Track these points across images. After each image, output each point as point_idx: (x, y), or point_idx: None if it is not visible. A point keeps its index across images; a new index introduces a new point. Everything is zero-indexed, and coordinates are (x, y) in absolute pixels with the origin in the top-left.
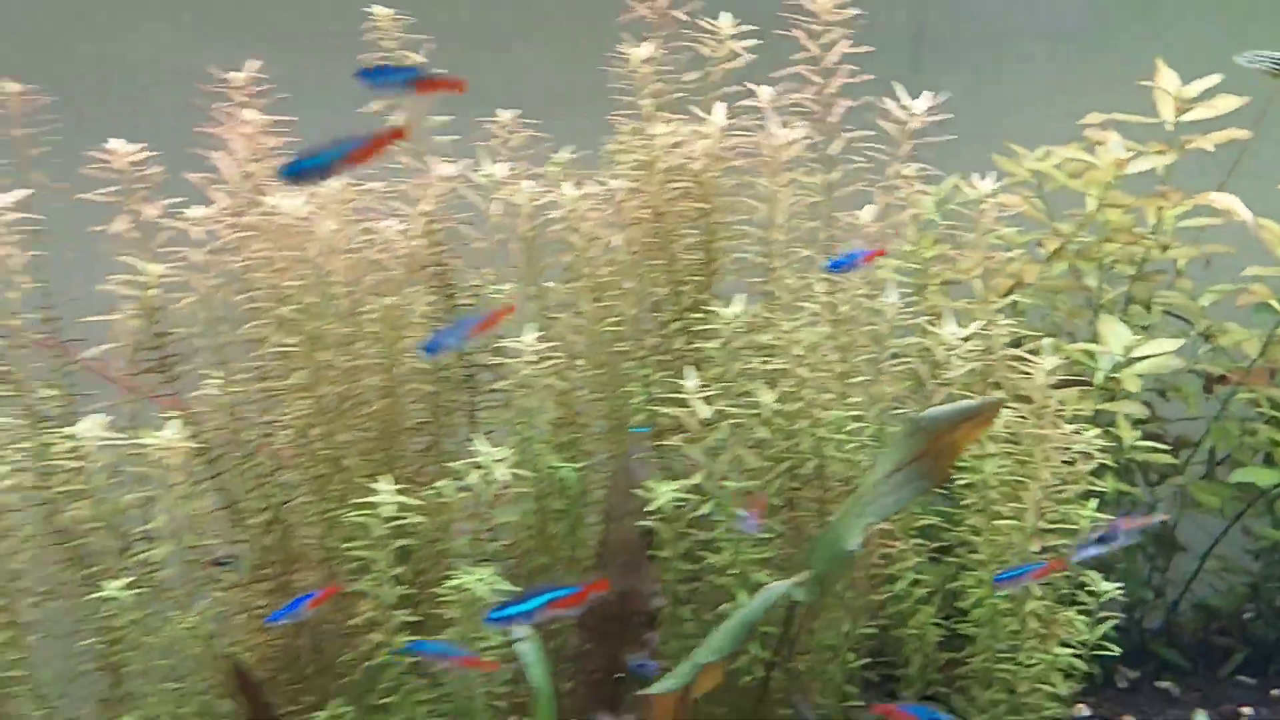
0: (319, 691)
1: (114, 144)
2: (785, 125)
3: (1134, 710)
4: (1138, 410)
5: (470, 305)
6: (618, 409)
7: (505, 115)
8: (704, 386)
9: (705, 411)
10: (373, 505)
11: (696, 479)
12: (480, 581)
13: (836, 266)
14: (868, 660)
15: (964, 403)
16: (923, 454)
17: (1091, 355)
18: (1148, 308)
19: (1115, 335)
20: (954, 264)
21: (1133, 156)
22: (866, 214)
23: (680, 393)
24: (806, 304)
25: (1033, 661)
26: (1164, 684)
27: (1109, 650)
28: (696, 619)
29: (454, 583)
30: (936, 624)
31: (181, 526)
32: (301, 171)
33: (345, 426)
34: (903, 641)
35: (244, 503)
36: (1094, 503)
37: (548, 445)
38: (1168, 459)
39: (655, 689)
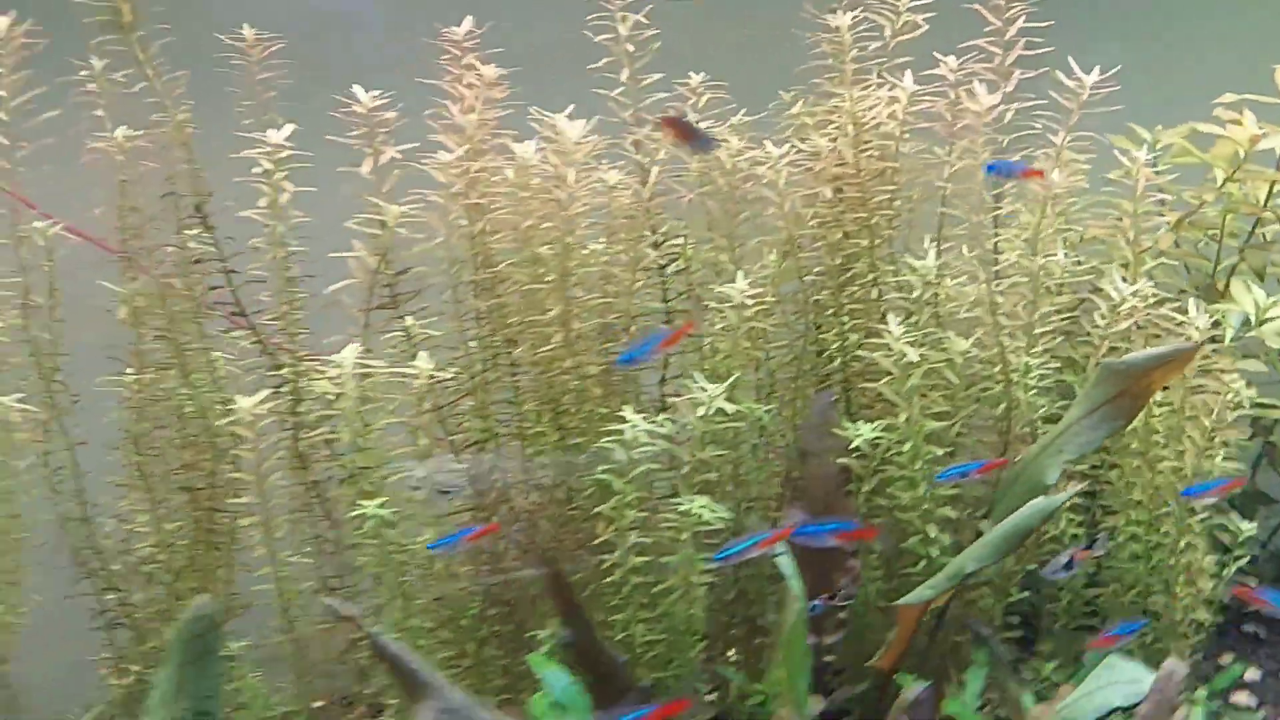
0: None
1: (357, 90)
2: (968, 93)
3: (1231, 651)
4: (1259, 368)
5: (676, 255)
6: (808, 355)
7: (695, 78)
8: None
9: (913, 354)
10: (620, 432)
11: (894, 419)
12: (705, 508)
13: (994, 169)
14: (1024, 594)
15: (1159, 349)
16: (1119, 396)
17: (1223, 314)
18: (1261, 275)
19: (1248, 296)
20: (1116, 228)
21: (1264, 134)
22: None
23: (879, 338)
24: (990, 259)
25: (1182, 595)
26: (1250, 628)
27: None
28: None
29: (684, 508)
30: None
31: (423, 452)
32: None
33: (589, 360)
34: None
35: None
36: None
37: (748, 387)
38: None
39: (909, 599)
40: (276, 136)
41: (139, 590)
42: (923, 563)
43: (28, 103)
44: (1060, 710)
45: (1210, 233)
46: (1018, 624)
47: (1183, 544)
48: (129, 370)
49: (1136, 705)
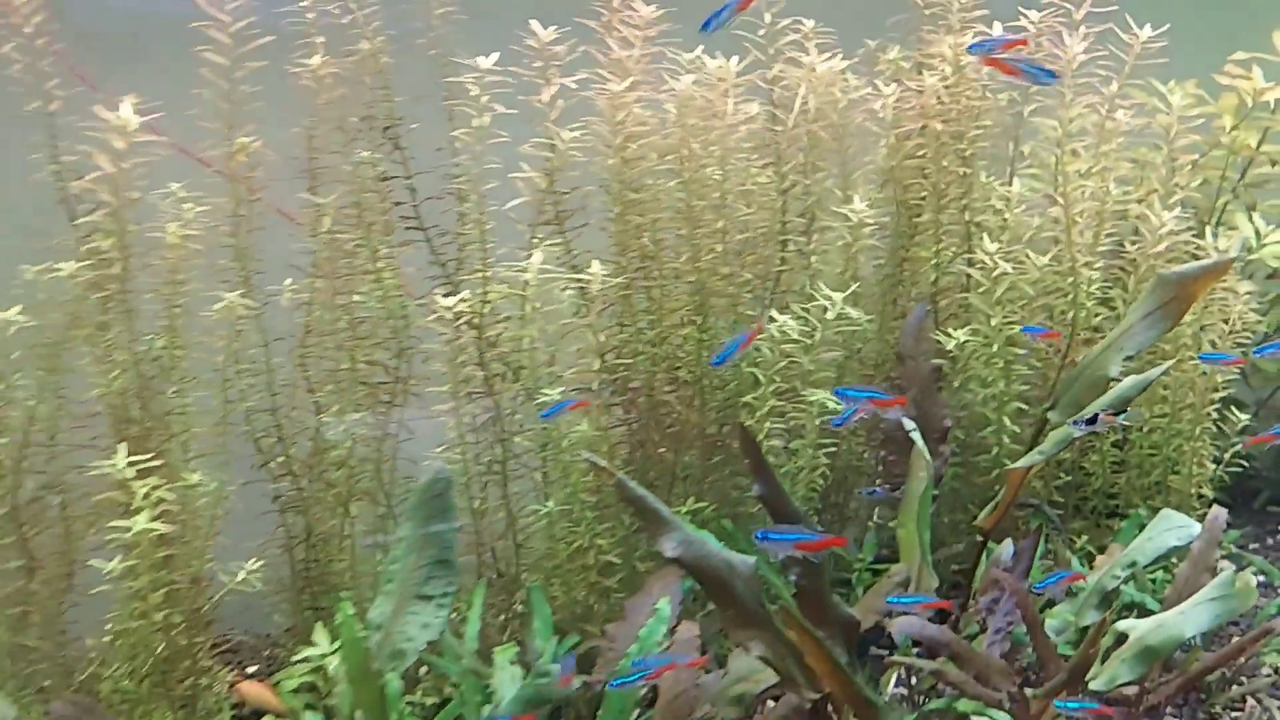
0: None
1: (535, 25)
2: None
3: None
4: (1256, 287)
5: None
6: (903, 271)
7: (808, 23)
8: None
9: (1006, 266)
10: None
11: (980, 325)
12: (825, 397)
13: (975, 49)
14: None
15: (1203, 261)
16: (1170, 301)
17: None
18: (1253, 209)
19: (1248, 224)
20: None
21: (1270, 87)
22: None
23: (972, 254)
24: (1060, 189)
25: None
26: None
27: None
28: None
29: (813, 398)
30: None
31: (590, 351)
32: None
33: (740, 267)
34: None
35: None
36: None
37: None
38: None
39: (1019, 463)
40: (485, 63)
41: (313, 480)
42: (995, 449)
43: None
44: (1126, 554)
45: (1215, 172)
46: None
47: (1198, 430)
48: (312, 278)
49: (1189, 544)
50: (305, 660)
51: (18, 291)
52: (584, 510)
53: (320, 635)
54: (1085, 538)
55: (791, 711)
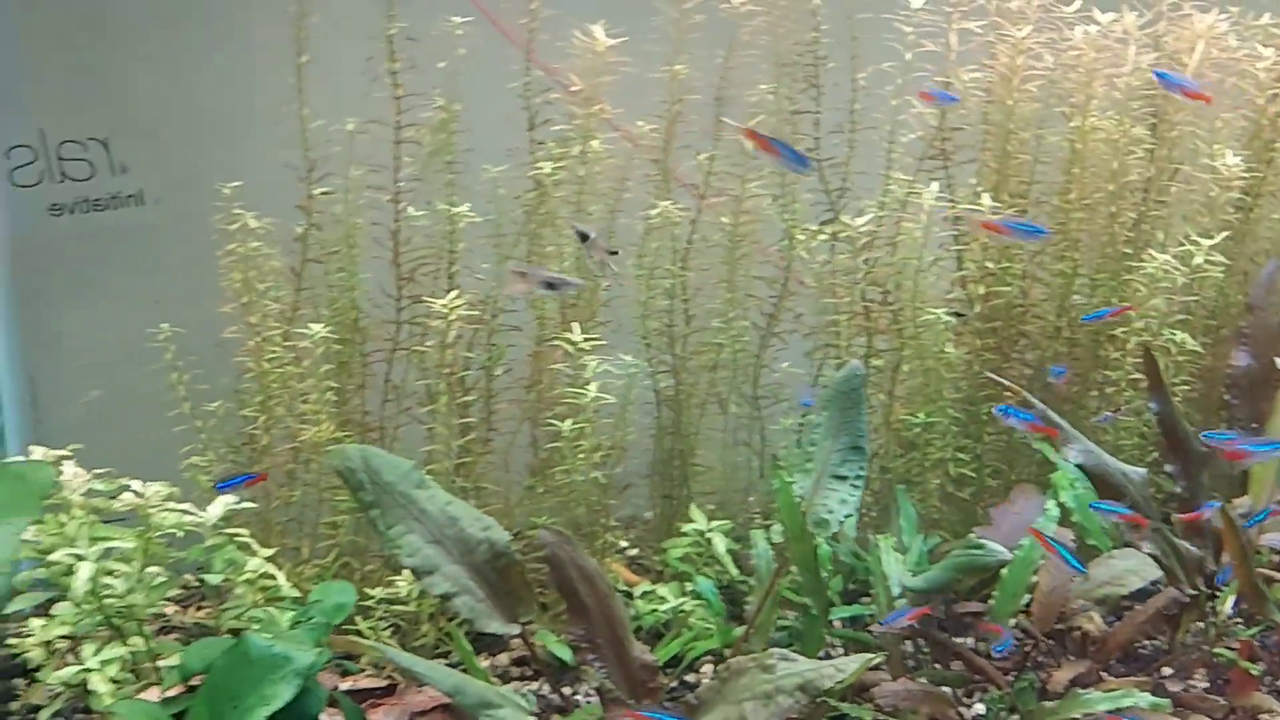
0: None
1: None
2: None
3: None
4: None
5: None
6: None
7: None
8: None
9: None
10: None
11: None
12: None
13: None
14: None
15: None
16: None
17: None
18: None
19: None
20: None
21: None
22: None
23: None
24: None
25: None
26: None
27: None
28: None
29: (1177, 338)
30: None
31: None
32: None
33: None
34: None
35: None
36: None
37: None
38: None
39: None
40: (916, 2)
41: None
42: None
43: None
44: None
45: None
46: None
47: None
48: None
49: None
50: (685, 535)
51: (480, 189)
52: (949, 424)
53: (696, 513)
54: None
55: (1171, 602)
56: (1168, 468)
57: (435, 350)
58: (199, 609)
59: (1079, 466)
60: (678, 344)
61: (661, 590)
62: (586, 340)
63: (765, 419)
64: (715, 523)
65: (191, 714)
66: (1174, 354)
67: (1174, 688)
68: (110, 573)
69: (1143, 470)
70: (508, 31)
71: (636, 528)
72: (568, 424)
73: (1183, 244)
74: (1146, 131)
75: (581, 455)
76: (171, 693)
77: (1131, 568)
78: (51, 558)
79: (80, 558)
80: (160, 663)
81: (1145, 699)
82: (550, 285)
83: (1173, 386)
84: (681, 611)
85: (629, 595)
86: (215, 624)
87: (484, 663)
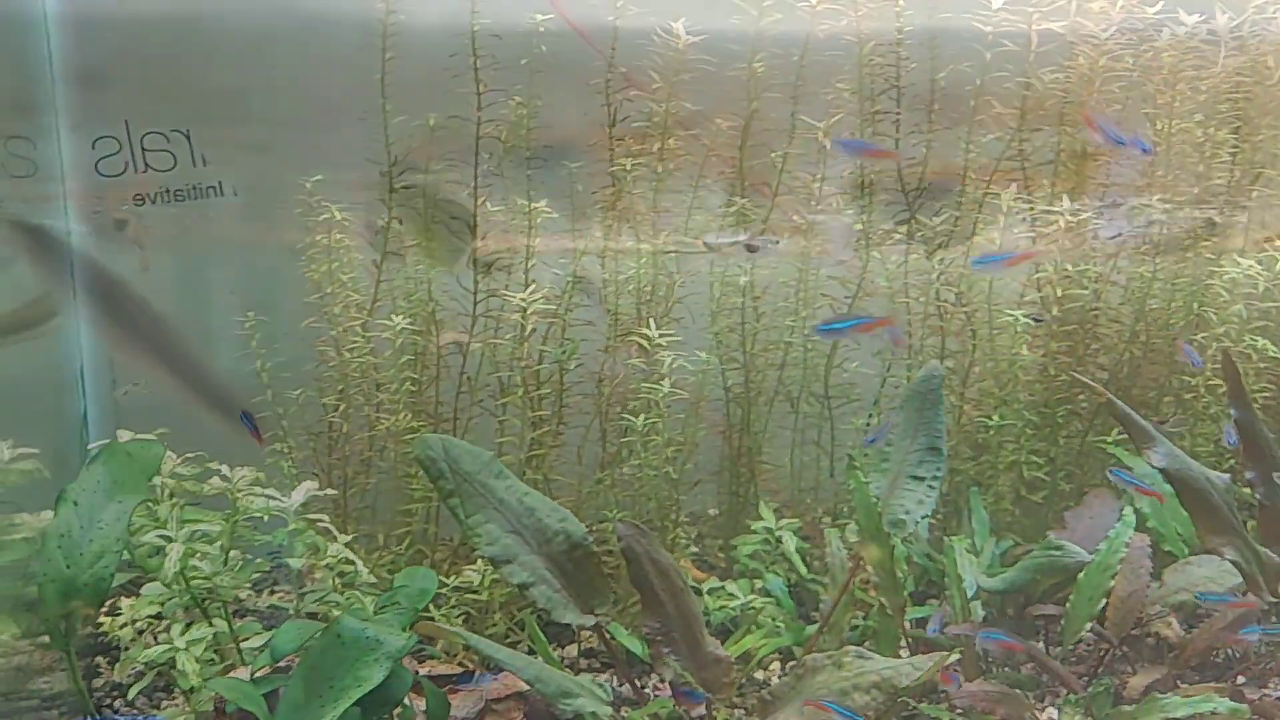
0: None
1: None
2: None
3: None
4: None
5: None
6: None
7: None
8: None
9: None
10: None
11: None
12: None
13: None
14: None
15: None
16: None
17: None
18: None
19: None
20: None
21: None
22: None
23: None
24: None
25: None
26: None
27: None
28: None
29: (1259, 343)
30: None
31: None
32: None
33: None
34: None
35: None
36: None
37: None
38: None
39: None
40: None
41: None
42: None
43: None
44: None
45: None
46: None
47: None
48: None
49: None
50: (755, 532)
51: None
52: (1024, 428)
53: (766, 511)
54: None
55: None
56: (1247, 474)
57: (510, 344)
58: (272, 592)
59: (1161, 471)
60: (748, 342)
61: (730, 587)
62: (662, 335)
63: (835, 418)
64: (784, 521)
65: (288, 692)
66: (1254, 360)
67: (1251, 695)
68: (196, 554)
69: (1225, 475)
70: (583, 30)
71: (700, 524)
72: (641, 419)
73: (1265, 249)
74: (1230, 135)
75: (654, 450)
76: (260, 673)
77: (1210, 575)
78: (142, 539)
79: (170, 539)
80: (242, 644)
81: (1224, 704)
82: (750, 248)
83: (1252, 393)
84: (751, 608)
85: (698, 591)
86: (293, 608)
87: (554, 654)
